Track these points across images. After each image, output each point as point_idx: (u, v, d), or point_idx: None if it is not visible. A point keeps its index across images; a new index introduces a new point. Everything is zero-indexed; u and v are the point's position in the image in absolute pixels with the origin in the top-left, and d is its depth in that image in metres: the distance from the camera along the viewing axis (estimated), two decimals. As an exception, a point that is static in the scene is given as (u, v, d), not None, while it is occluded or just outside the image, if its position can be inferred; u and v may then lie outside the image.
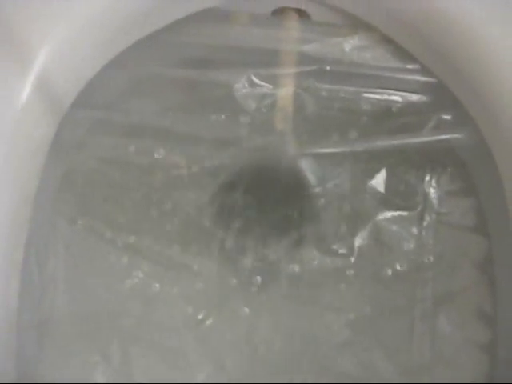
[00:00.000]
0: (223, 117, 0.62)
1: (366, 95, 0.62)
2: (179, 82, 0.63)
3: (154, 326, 0.60)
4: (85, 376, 0.58)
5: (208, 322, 0.60)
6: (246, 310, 0.60)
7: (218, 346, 0.59)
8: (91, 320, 0.59)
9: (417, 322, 0.60)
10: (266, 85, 0.61)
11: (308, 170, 0.62)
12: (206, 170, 0.63)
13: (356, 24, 0.62)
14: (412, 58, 0.61)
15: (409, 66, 0.61)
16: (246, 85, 0.61)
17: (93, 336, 0.59)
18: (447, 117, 0.62)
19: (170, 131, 0.61)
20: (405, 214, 0.62)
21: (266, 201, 0.63)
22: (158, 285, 0.60)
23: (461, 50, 0.58)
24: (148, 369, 0.58)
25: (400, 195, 0.63)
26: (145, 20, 0.60)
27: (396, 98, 0.62)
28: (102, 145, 0.62)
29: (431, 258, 0.62)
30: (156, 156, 0.62)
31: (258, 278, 0.61)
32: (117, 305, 0.60)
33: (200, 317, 0.60)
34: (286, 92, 0.61)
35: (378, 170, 0.63)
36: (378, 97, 0.62)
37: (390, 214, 0.62)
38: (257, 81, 0.61)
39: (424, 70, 0.61)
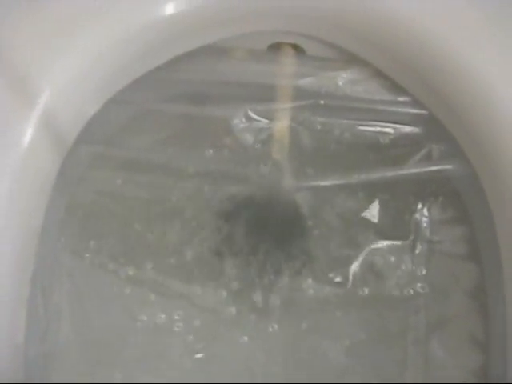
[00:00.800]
0: (220, 151, 0.64)
1: (359, 128, 0.64)
2: (177, 117, 0.65)
3: (156, 356, 0.61)
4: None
5: (208, 351, 0.61)
6: (245, 338, 0.61)
7: (218, 373, 0.61)
8: (95, 350, 0.61)
9: (410, 348, 0.62)
10: (263, 119, 0.64)
11: (303, 202, 0.64)
12: (204, 203, 0.65)
13: (349, 58, 0.64)
14: (404, 91, 0.63)
15: (400, 99, 0.63)
16: (243, 119, 0.63)
17: (97, 366, 0.60)
18: (438, 148, 0.64)
19: (167, 166, 0.63)
20: (397, 243, 0.64)
21: (263, 233, 0.65)
22: (162, 315, 0.62)
23: (451, 84, 0.59)
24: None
25: (393, 225, 0.64)
26: (145, 57, 0.62)
27: (388, 129, 0.64)
28: (101, 179, 0.63)
29: (423, 286, 0.63)
30: (154, 190, 0.63)
31: (256, 308, 0.63)
32: (119, 335, 0.61)
33: (200, 346, 0.61)
34: (281, 126, 0.64)
35: (371, 201, 0.65)
36: (371, 129, 0.64)
37: (383, 243, 0.64)
38: (253, 115, 0.64)
39: (415, 103, 0.63)
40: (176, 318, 0.62)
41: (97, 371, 0.60)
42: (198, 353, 0.62)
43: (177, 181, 0.64)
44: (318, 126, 0.64)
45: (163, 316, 0.62)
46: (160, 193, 0.64)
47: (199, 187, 0.64)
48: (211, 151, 0.65)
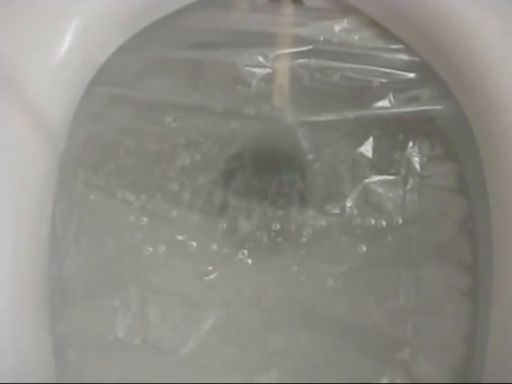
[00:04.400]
0: (227, 91, 0.68)
1: (354, 71, 0.68)
2: (186, 62, 0.70)
3: (168, 274, 0.65)
4: (106, 321, 0.63)
5: (218, 274, 0.65)
6: (250, 261, 0.66)
7: (226, 294, 0.65)
8: (109, 270, 0.65)
9: (403, 272, 0.66)
10: (265, 63, 0.68)
11: (304, 138, 0.68)
12: (210, 138, 0.69)
13: (346, 9, 0.68)
14: (397, 39, 0.66)
15: (393, 46, 0.67)
16: (247, 63, 0.67)
17: (111, 284, 0.64)
18: (429, 90, 0.67)
19: (178, 104, 0.68)
20: (390, 178, 0.68)
21: (264, 166, 0.69)
22: (163, 244, 0.66)
23: (442, 30, 0.63)
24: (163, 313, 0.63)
25: (386, 161, 0.69)
26: (153, 6, 0.66)
27: (382, 73, 0.68)
28: (116, 117, 0.68)
29: (415, 216, 0.67)
30: (165, 125, 0.68)
31: (258, 237, 0.67)
32: (131, 257, 0.66)
33: (210, 268, 0.65)
34: (283, 68, 0.68)
35: (366, 138, 0.69)
36: (365, 73, 0.68)
37: (377, 178, 0.68)
38: (256, 59, 0.68)
39: (408, 50, 0.66)
40: (181, 245, 0.66)
41: (112, 288, 0.64)
42: (206, 274, 0.65)
43: (187, 117, 0.68)
44: (317, 69, 0.67)
45: (167, 244, 0.66)
46: (171, 128, 0.68)
47: (207, 122, 0.68)
48: (218, 91, 0.68)
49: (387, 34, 0.67)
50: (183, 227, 0.67)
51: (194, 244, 0.67)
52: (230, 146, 0.69)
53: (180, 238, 0.67)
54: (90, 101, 0.65)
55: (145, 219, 0.67)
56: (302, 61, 0.67)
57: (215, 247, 0.67)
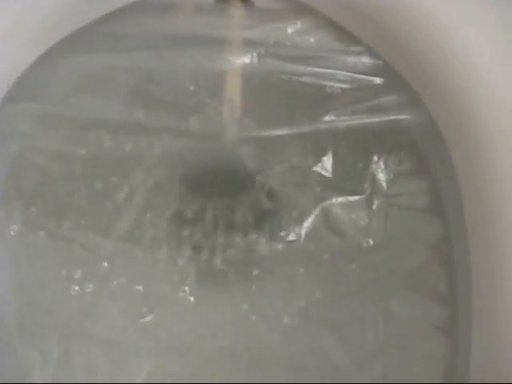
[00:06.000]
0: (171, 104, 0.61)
1: (309, 76, 0.61)
2: (124, 72, 0.62)
3: (95, 319, 0.57)
4: (22, 375, 0.54)
5: (152, 315, 0.57)
6: (192, 299, 0.57)
7: (165, 337, 0.57)
8: (26, 314, 0.57)
9: (369, 305, 0.58)
10: (213, 69, 0.61)
11: (249, 156, 0.60)
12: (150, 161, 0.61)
13: (299, 9, 0.62)
14: (357, 41, 0.61)
15: (354, 49, 0.61)
16: (193, 70, 0.61)
17: (28, 331, 0.57)
18: (395, 98, 0.61)
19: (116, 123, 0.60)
20: (353, 198, 0.60)
21: (207, 190, 0.61)
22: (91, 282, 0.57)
23: (407, 29, 0.59)
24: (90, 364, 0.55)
25: (347, 179, 0.61)
26: (79, 10, 0.59)
27: (342, 78, 0.61)
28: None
29: (382, 241, 0.60)
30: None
31: (201, 271, 0.59)
32: (53, 297, 0.58)
33: (145, 309, 0.57)
34: (232, 77, 0.61)
35: (323, 154, 0.61)
36: (322, 78, 0.61)
37: (337, 199, 0.60)
38: (203, 66, 0.61)
39: (370, 52, 0.61)
40: (115, 282, 0.57)
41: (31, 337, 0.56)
42: (140, 316, 0.56)
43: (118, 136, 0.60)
44: (266, 75, 0.60)
45: (100, 280, 0.57)
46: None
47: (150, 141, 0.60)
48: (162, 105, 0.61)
49: (347, 36, 0.61)
50: (114, 261, 0.58)
51: (127, 280, 0.58)
52: (171, 169, 0.61)
53: (111, 273, 0.58)
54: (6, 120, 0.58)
55: (71, 253, 0.58)
56: (251, 67, 0.61)
57: (152, 284, 0.58)
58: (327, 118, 0.60)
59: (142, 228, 0.59)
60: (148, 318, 0.58)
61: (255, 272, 0.59)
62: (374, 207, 0.60)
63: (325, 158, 0.61)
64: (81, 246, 0.58)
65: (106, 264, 0.58)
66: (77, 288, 0.58)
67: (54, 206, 0.59)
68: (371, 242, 0.60)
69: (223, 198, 0.60)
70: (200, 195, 0.60)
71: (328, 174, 0.60)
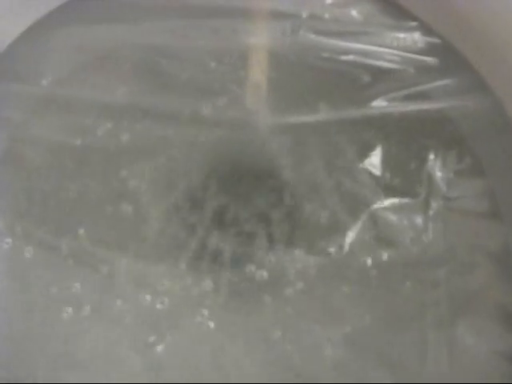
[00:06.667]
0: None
1: (351, 55, 0.54)
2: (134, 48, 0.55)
3: (94, 346, 0.49)
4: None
5: (163, 344, 0.47)
6: (212, 324, 0.47)
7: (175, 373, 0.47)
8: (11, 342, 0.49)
9: (429, 333, 0.49)
10: (237, 46, 0.54)
11: (283, 149, 0.52)
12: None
13: None
14: (408, 14, 0.55)
15: (405, 24, 0.55)
16: (214, 47, 0.54)
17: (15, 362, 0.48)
18: (454, 81, 0.54)
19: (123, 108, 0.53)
20: (406, 201, 0.52)
21: (237, 196, 0.52)
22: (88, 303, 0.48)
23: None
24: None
25: (400, 179, 0.52)
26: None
27: (390, 58, 0.54)
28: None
29: (442, 253, 0.51)
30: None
31: (223, 290, 0.50)
32: (43, 322, 0.49)
33: (154, 337, 0.47)
34: (261, 52, 0.54)
35: (371, 148, 0.52)
36: (369, 56, 0.54)
37: (388, 202, 0.52)
38: (224, 43, 0.54)
39: (425, 28, 0.55)
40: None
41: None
42: (151, 346, 0.47)
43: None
44: (302, 52, 0.53)
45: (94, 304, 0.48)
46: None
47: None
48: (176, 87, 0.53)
49: (395, 8, 0.55)
50: (116, 278, 0.49)
51: (132, 302, 0.48)
52: (188, 166, 0.52)
53: (112, 293, 0.49)
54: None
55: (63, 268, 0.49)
56: (284, 42, 0.53)
57: (162, 306, 0.49)
58: (375, 104, 0.53)
59: (149, 236, 0.49)
60: (159, 348, 0.48)
61: (289, 291, 0.50)
62: (431, 212, 0.52)
63: (373, 153, 0.53)
64: (75, 257, 0.48)
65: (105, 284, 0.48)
66: (70, 310, 0.47)
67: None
68: (428, 254, 0.51)
69: (249, 200, 0.51)
70: (225, 198, 0.51)
71: (377, 171, 0.52)
